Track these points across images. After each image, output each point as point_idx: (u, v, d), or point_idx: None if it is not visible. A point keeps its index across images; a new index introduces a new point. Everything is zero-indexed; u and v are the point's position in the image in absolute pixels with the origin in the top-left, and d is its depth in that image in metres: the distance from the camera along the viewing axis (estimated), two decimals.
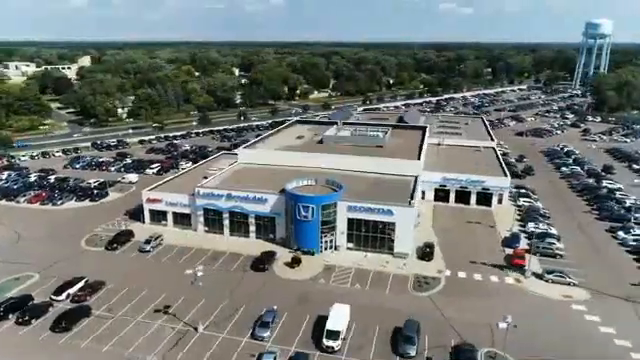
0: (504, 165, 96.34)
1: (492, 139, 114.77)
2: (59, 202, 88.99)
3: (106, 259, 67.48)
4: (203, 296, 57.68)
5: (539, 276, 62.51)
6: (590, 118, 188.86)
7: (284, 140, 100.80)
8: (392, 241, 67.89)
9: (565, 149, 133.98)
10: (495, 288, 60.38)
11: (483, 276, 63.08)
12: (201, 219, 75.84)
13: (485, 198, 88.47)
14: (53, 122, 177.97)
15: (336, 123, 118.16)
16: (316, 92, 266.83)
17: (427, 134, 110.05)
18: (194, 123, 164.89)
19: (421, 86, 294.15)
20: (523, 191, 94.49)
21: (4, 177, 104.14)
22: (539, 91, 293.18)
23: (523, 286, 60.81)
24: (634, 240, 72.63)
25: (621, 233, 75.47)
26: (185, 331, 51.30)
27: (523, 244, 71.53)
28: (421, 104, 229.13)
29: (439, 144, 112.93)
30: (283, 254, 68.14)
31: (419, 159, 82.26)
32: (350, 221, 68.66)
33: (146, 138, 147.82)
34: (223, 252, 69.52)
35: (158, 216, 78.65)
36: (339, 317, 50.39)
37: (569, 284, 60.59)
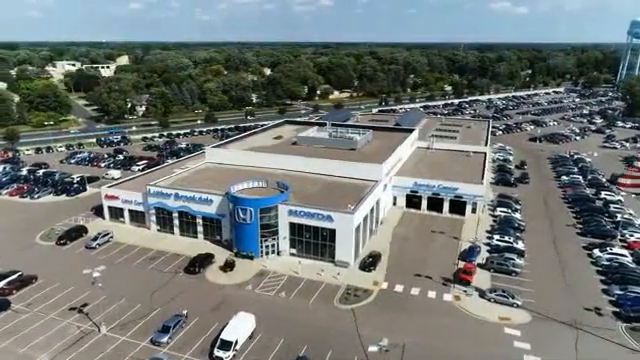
0: (486, 172, 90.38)
1: (486, 144, 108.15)
2: (36, 196, 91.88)
3: (51, 254, 68.57)
4: (124, 296, 57.21)
5: (482, 294, 57.59)
6: (620, 123, 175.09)
7: (261, 140, 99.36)
8: (333, 248, 64.86)
9: (575, 156, 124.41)
10: (428, 305, 56.08)
11: (421, 291, 58.82)
12: (153, 218, 75.75)
13: (459, 206, 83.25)
14: (73, 118, 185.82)
15: (325, 124, 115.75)
16: (337, 92, 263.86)
17: (414, 137, 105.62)
18: (198, 121, 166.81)
19: (448, 87, 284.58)
20: (504, 200, 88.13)
21: (2, 168, 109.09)
22: (576, 94, 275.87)
23: (460, 304, 56.10)
24: (608, 260, 65.63)
25: (596, 251, 68.45)
26: (90, 331, 50.86)
27: (480, 258, 66.40)
28: (439, 106, 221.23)
29: (428, 148, 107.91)
30: (223, 257, 66.69)
31: (382, 163, 78.16)
32: (292, 226, 66.19)
33: (149, 135, 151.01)
34: (165, 252, 68.93)
35: (116, 213, 79.36)
36: (238, 327, 48.24)
37: (512, 305, 55.31)
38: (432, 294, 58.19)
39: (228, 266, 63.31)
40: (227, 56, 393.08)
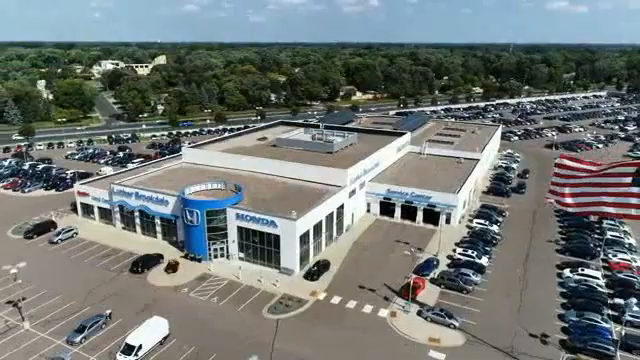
0: (470, 180, 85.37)
1: (482, 150, 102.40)
2: (27, 189, 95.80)
3: (13, 247, 70.75)
4: (61, 293, 58.08)
5: (421, 312, 54.03)
6: None
7: (244, 141, 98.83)
8: (279, 255, 63.07)
9: None
10: (359, 320, 53.18)
11: (358, 305, 55.96)
12: (117, 216, 76.86)
13: (433, 216, 79.10)
14: (97, 116, 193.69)
15: (318, 126, 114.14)
16: (360, 94, 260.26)
17: (403, 141, 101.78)
18: (208, 121, 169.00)
19: (479, 89, 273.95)
20: (485, 211, 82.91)
21: (5, 163, 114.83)
22: (617, 98, 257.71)
23: (393, 321, 52.84)
24: (576, 282, 59.93)
25: (567, 271, 62.74)
26: (14, 326, 51.89)
27: (434, 273, 62.48)
28: (459, 109, 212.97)
29: (420, 153, 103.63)
30: (175, 258, 66.51)
31: (347, 169, 75.38)
32: (240, 230, 64.97)
33: (158, 134, 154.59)
34: (121, 250, 69.61)
35: (87, 210, 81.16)
36: (147, 331, 47.58)
37: (448, 325, 51.49)
38: (368, 308, 55.21)
39: (170, 268, 62.99)
40: (263, 56, 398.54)
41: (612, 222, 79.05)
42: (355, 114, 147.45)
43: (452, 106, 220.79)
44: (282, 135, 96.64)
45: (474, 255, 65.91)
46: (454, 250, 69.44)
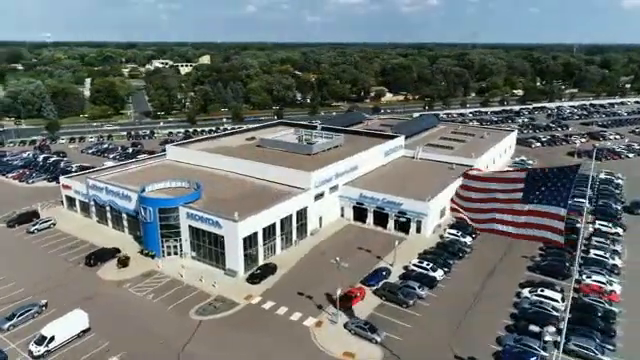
0: (448, 188, 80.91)
1: (477, 157, 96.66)
2: (30, 180, 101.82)
3: None
4: (16, 280, 60.97)
5: (347, 323, 51.74)
6: None
7: (232, 141, 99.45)
8: (224, 256, 62.80)
9: (605, 177, 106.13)
10: (282, 327, 51.75)
11: (288, 311, 54.58)
12: (93, 209, 79.78)
13: (404, 223, 75.78)
14: (128, 112, 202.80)
15: (315, 127, 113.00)
16: (390, 95, 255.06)
17: (394, 145, 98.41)
18: (224, 119, 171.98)
19: (520, 92, 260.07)
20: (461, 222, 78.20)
21: (25, 155, 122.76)
22: None
23: (316, 331, 50.98)
24: (531, 303, 55.04)
25: (525, 291, 57.81)
26: None
27: (380, 284, 59.70)
28: (487, 112, 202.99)
29: (413, 157, 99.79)
30: (131, 252, 68.08)
31: (311, 172, 73.71)
32: (191, 229, 65.34)
33: (174, 131, 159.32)
34: (85, 242, 72.13)
35: (72, 202, 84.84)
36: (64, 324, 48.83)
37: (371, 340, 48.94)
38: (297, 316, 53.66)
39: (121, 263, 64.41)
40: (306, 57, 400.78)
41: (602, 240, 72.05)
42: (365, 115, 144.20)
43: (483, 109, 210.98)
44: (266, 135, 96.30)
45: (428, 267, 62.29)
46: (411, 261, 66.02)
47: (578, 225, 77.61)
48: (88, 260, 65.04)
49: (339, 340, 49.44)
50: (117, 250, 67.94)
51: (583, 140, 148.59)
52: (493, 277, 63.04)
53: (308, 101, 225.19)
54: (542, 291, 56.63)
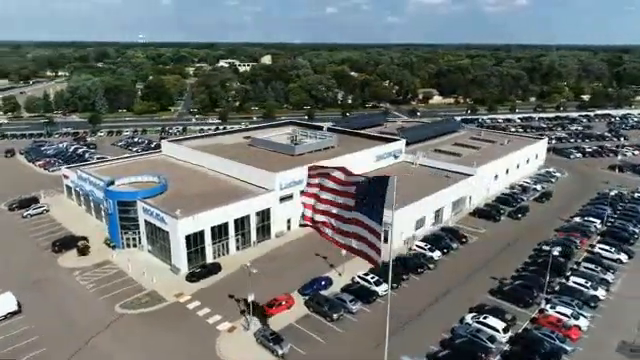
0: (431, 197, 75.25)
1: (478, 166, 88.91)
2: (51, 169, 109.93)
3: None
4: None
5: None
6: None
7: (228, 139, 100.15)
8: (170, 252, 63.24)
9: (636, 195, 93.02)
10: (196, 329, 50.83)
11: (210, 313, 53.58)
12: (82, 198, 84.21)
13: None
14: (173, 109, 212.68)
15: (321, 128, 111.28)
16: (439, 97, 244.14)
17: (390, 149, 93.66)
18: (254, 118, 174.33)
19: (586, 97, 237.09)
20: (440, 234, 72.38)
21: (61, 145, 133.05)
22: None
23: (225, 336, 49.60)
24: (468, 331, 49.27)
25: (468, 317, 51.88)
26: None
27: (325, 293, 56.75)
28: (534, 118, 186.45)
29: (412, 163, 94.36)
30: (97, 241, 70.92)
31: (276, 172, 71.94)
32: (147, 223, 66.55)
33: (205, 127, 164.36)
34: (66, 230, 76.20)
35: (70, 191, 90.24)
36: None
37: (272, 352, 46.55)
38: (215, 319, 52.57)
39: (80, 251, 67.16)
40: (368, 58, 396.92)
41: (592, 266, 62.91)
42: (387, 117, 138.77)
43: (535, 115, 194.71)
44: (258, 135, 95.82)
45: (372, 281, 58.18)
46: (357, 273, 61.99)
47: (578, 247, 69.33)
48: (54, 246, 68.63)
49: (242, 348, 47.63)
50: (84, 239, 70.96)
51: (637, 153, 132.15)
52: (445, 297, 57.50)
53: (349, 102, 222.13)
54: (485, 318, 50.53)
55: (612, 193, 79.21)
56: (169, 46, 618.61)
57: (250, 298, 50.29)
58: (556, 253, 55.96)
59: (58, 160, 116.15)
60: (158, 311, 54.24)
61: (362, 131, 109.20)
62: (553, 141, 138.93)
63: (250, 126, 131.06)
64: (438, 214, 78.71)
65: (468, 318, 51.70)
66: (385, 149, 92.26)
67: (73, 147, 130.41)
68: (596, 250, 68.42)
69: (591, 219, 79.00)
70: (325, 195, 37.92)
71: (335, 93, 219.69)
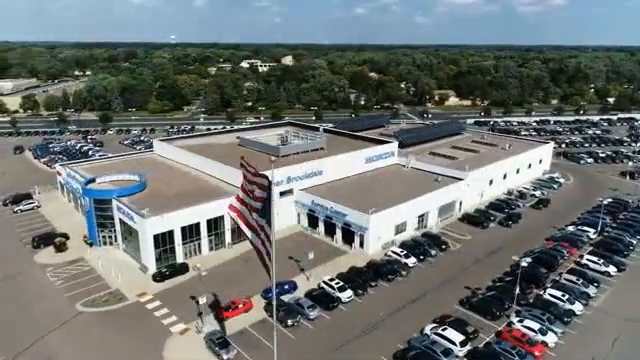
0: (412, 202, 72.92)
1: (469, 170, 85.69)
2: (53, 166, 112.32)
3: None
4: None
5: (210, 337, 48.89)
6: None
7: (221, 139, 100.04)
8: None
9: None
10: (149, 329, 50.50)
11: (167, 314, 53.23)
12: (71, 195, 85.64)
13: (349, 236, 70.04)
14: (187, 108, 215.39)
15: (317, 128, 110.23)
16: (456, 99, 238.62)
17: (381, 151, 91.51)
18: (262, 118, 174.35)
19: (611, 100, 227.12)
20: (419, 240, 70.01)
21: (69, 143, 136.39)
22: None
23: (175, 338, 49.08)
24: (423, 343, 47.11)
25: (428, 328, 49.68)
26: None
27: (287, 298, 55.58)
28: (549, 121, 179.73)
29: (404, 166, 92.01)
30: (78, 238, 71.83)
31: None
32: (121, 221, 66.91)
33: (212, 127, 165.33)
34: (50, 225, 77.63)
35: (63, 188, 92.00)
36: None
37: (218, 356, 45.74)
38: (171, 320, 52.12)
39: (57, 248, 68.08)
40: (390, 59, 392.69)
41: (574, 278, 59.38)
42: (390, 119, 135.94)
43: (552, 118, 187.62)
44: (247, 135, 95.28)
45: (335, 287, 56.59)
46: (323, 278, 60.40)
47: (565, 258, 65.88)
48: (33, 242, 69.86)
49: (189, 351, 47.00)
50: (64, 235, 71.96)
51: None
52: (411, 306, 55.40)
53: (362, 103, 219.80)
54: (444, 330, 48.24)
55: (605, 202, 74.63)
56: (199, 47, 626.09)
57: (202, 301, 49.64)
58: (524, 264, 52.84)
59: (62, 157, 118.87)
60: (116, 310, 54.21)
61: (360, 133, 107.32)
62: (563, 145, 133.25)
63: (248, 126, 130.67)
64: (422, 219, 76.29)
65: (428, 329, 49.52)
66: (375, 151, 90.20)
67: (79, 145, 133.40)
68: (583, 261, 64.75)
69: (585, 228, 74.99)
70: (241, 194, 37.76)
71: (347, 94, 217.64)
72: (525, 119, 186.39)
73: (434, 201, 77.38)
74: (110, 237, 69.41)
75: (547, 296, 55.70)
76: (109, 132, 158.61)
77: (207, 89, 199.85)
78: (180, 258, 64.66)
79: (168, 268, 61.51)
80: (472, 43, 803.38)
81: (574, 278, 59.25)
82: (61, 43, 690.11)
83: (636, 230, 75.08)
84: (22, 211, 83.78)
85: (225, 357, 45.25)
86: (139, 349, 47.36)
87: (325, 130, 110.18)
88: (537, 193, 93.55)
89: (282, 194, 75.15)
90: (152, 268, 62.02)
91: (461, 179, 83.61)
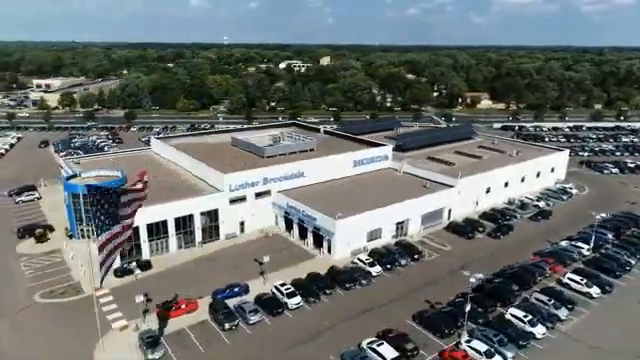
0: (390, 208, 70.04)
1: (460, 178, 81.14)
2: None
3: None
4: None
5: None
6: None
7: (217, 138, 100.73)
8: None
9: None
10: (88, 326, 50.57)
11: (113, 309, 54.16)
12: None
13: (319, 241, 68.34)
14: (213, 107, 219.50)
15: (318, 130, 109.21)
16: (489, 102, 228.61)
17: (367, 155, 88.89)
18: (280, 118, 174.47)
19: None
20: (392, 249, 67.10)
21: (90, 139, 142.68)
22: None
23: (111, 334, 49.67)
24: (354, 356, 44.83)
25: (364, 342, 47.16)
26: None
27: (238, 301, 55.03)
28: (583, 127, 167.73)
29: (397, 170, 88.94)
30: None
31: (225, 173, 70.86)
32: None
33: (231, 127, 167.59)
34: (43, 217, 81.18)
35: None
36: None
37: (145, 355, 45.63)
38: (115, 316, 52.88)
39: (37, 239, 70.92)
40: (432, 60, 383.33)
41: (546, 298, 54.60)
42: (400, 123, 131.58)
43: (587, 124, 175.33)
44: (239, 135, 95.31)
45: (284, 292, 55.17)
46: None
47: (546, 275, 61.25)
48: (18, 232, 73.18)
49: (120, 348, 47.30)
50: (48, 227, 74.91)
51: None
52: (362, 317, 53.08)
53: (387, 104, 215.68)
54: (379, 345, 45.69)
55: (598, 217, 68.19)
56: (251, 47, 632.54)
57: (138, 299, 49.81)
58: (473, 280, 48.97)
59: (79, 152, 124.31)
60: (68, 303, 55.57)
61: (365, 136, 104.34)
62: (585, 154, 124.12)
63: (253, 125, 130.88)
64: (401, 226, 73.19)
65: (364, 343, 47.10)
66: (365, 154, 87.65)
67: (98, 141, 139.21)
68: (565, 280, 59.62)
69: (579, 244, 69.08)
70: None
71: (373, 95, 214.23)
72: (559, 124, 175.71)
73: (415, 208, 74.00)
74: (88, 230, 71.39)
75: (508, 316, 51.60)
76: (132, 129, 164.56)
77: (232, 89, 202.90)
78: (146, 255, 65.52)
79: (130, 264, 62.34)
80: (528, 44, 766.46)
81: (545, 298, 54.53)
82: (118, 44, 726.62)
83: (638, 249, 68.33)
84: (23, 202, 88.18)
85: (150, 357, 45.12)
86: (73, 343, 48.10)
87: (326, 132, 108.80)
88: (541, 204, 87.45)
89: (258, 195, 74.59)
90: (116, 263, 63.05)
91: (451, 186, 79.58)
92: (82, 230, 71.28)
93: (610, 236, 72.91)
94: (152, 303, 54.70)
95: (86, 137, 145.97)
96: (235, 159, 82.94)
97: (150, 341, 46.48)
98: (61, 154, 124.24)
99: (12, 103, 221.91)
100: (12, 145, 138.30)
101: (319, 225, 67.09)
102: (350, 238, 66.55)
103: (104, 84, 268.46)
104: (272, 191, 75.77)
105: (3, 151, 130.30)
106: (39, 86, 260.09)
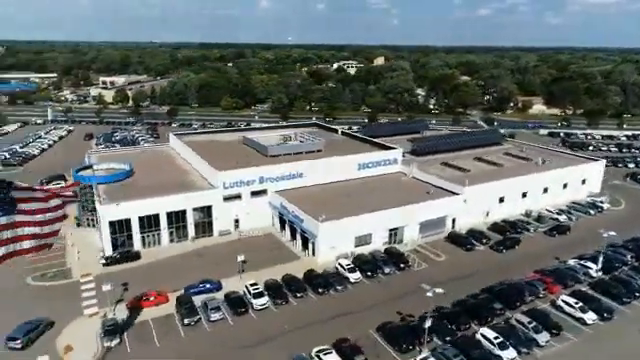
0: (381, 213, 67.58)
1: (466, 186, 76.50)
2: None
3: None
4: None
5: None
6: None
7: (230, 137, 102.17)
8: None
9: None
10: (65, 308, 53.85)
11: (91, 296, 56.45)
12: None
13: (306, 243, 67.50)
14: (255, 106, 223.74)
15: (336, 131, 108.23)
16: (542, 107, 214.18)
17: (375, 158, 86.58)
18: (314, 118, 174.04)
19: None
20: (380, 255, 64.79)
21: (130, 133, 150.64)
22: None
23: (81, 320, 51.75)
24: None
25: (315, 350, 45.67)
26: None
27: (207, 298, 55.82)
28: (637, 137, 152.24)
29: (406, 174, 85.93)
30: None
31: (220, 170, 71.68)
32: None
33: (257, 125, 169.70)
34: None
35: None
36: None
37: (102, 343, 47.29)
38: (91, 302, 55.21)
39: None
40: (491, 62, 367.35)
41: (527, 321, 50.01)
42: (428, 125, 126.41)
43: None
44: (249, 135, 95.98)
45: (252, 292, 54.93)
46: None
47: (539, 295, 56.66)
48: None
49: (83, 334, 49.19)
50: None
51: None
52: (329, 322, 51.66)
53: (430, 106, 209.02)
54: (326, 354, 44.16)
55: (605, 235, 61.11)
56: (312, 48, 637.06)
57: (105, 288, 51.52)
58: (430, 295, 45.71)
59: (116, 145, 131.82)
60: (55, 286, 58.85)
61: (385, 139, 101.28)
62: (630, 165, 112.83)
63: (273, 125, 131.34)
64: (395, 232, 70.42)
65: (314, 350, 45.70)
66: (371, 157, 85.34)
67: (137, 135, 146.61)
68: (558, 302, 54.49)
69: (588, 264, 62.86)
70: None
71: (416, 97, 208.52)
72: (615, 132, 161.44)
73: (413, 215, 70.89)
74: (92, 220, 75.44)
75: (478, 335, 47.97)
76: (173, 125, 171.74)
77: (275, 88, 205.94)
78: (138, 246, 67.91)
79: (119, 254, 65.00)
80: (609, 46, 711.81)
81: (526, 320, 50.09)
82: (187, 43, 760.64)
83: None
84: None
85: (105, 344, 46.68)
86: None
87: (343, 133, 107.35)
88: (561, 218, 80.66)
89: (254, 194, 74.94)
90: (108, 252, 66.08)
91: (457, 194, 75.50)
92: (87, 219, 75.50)
93: (629, 257, 65.74)
94: (129, 293, 56.67)
95: (126, 132, 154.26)
96: (240, 157, 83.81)
97: (109, 329, 48.07)
98: (100, 146, 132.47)
99: (76, 99, 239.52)
100: (61, 137, 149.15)
101: (305, 227, 66.22)
102: (335, 242, 65.04)
103: (160, 82, 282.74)
104: (269, 191, 75.86)
105: (52, 142, 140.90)
106: (104, 83, 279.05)
